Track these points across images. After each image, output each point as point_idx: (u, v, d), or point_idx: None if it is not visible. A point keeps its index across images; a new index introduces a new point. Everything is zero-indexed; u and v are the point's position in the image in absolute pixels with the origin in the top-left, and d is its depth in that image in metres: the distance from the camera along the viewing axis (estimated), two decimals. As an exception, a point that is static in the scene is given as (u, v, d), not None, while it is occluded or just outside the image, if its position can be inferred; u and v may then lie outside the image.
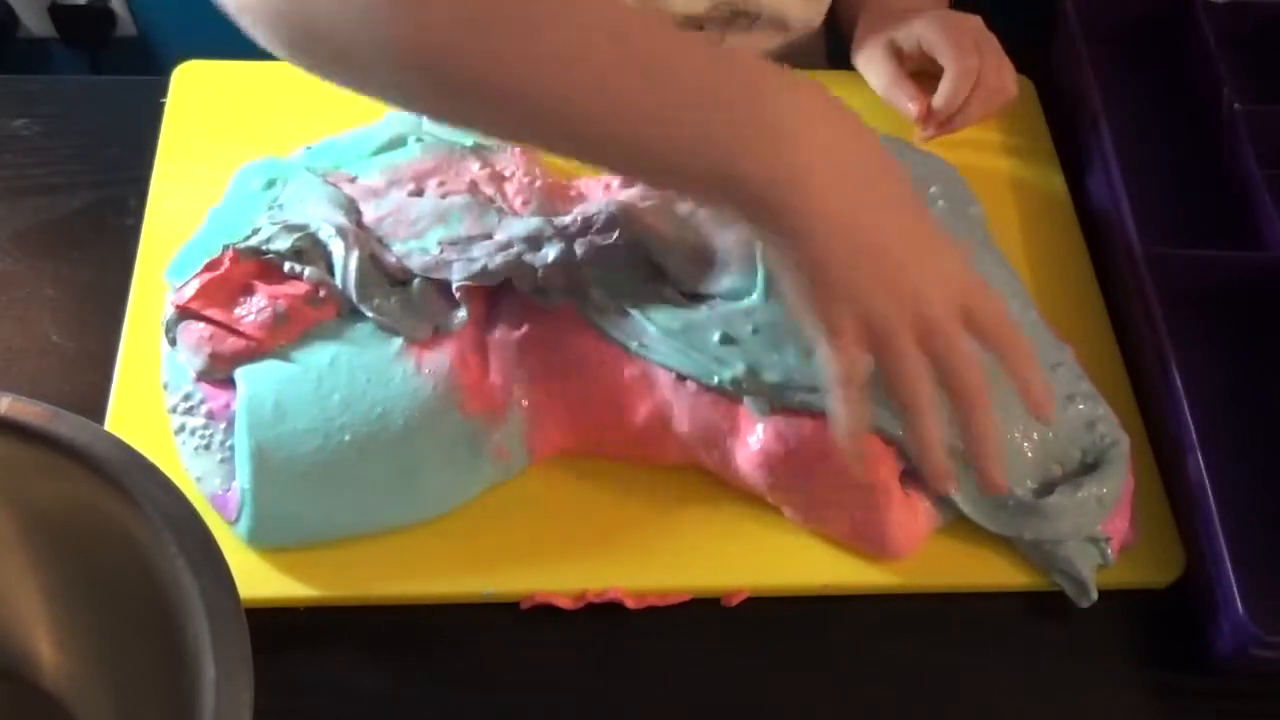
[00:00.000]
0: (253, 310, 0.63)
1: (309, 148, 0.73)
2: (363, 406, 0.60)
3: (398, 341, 0.62)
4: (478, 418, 0.61)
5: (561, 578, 0.60)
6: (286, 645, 0.57)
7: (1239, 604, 0.57)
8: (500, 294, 0.65)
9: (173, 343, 0.64)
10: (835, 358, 0.52)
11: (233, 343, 0.62)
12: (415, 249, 0.65)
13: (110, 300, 0.67)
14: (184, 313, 0.63)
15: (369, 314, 0.63)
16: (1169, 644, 0.61)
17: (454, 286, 0.63)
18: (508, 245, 0.64)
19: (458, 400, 0.61)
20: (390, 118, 0.74)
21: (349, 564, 0.59)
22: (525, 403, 0.62)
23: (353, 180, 0.69)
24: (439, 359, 0.62)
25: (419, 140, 0.71)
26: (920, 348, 0.52)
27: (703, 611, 0.60)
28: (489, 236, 0.66)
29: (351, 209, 0.67)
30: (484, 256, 0.64)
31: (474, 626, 0.59)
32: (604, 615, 0.59)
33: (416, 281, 0.64)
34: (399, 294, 0.64)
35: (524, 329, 0.63)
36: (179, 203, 0.71)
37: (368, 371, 0.61)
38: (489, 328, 0.64)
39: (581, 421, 0.63)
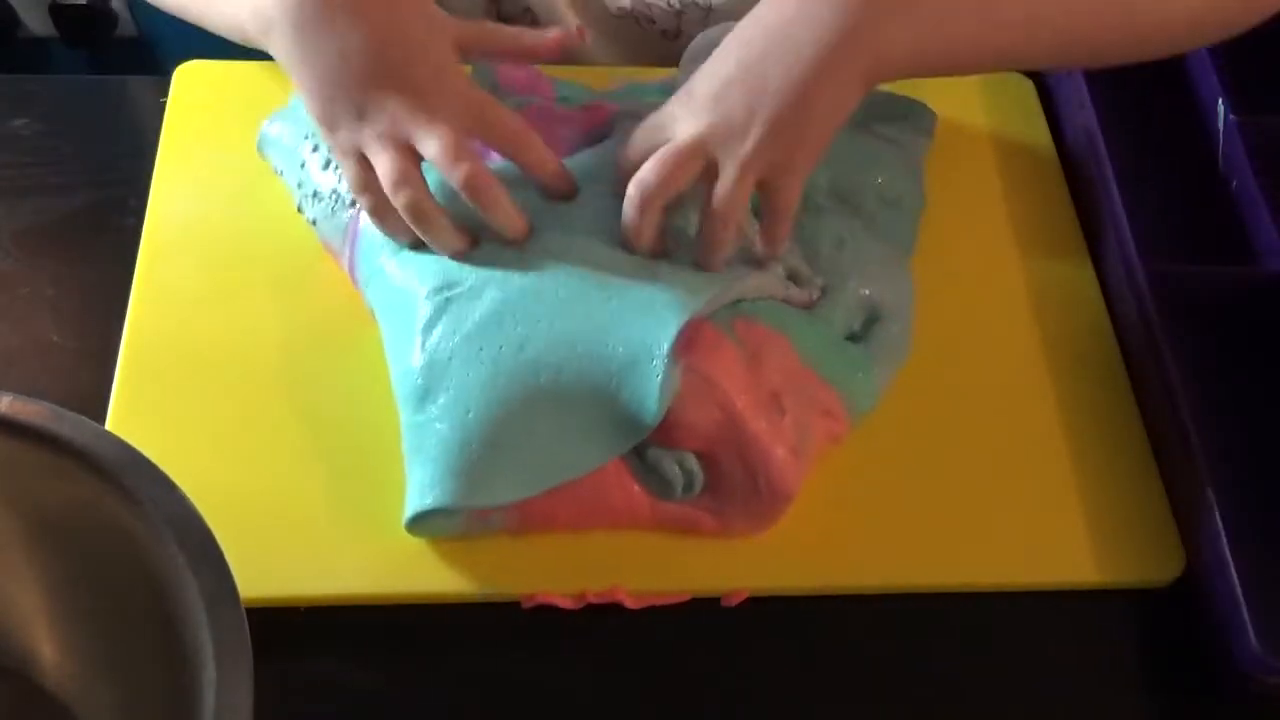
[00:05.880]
0: None
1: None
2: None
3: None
4: None
5: (561, 578, 0.60)
6: (286, 645, 0.57)
7: (1252, 638, 0.56)
8: None
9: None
10: (345, 173, 0.62)
11: None
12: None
13: (110, 300, 0.67)
14: None
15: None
16: (1170, 644, 0.61)
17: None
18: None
19: None
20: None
21: (349, 564, 0.59)
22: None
23: None
24: None
25: None
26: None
27: (703, 611, 0.60)
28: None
29: None
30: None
31: (474, 626, 0.59)
32: (604, 615, 0.59)
33: None
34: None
35: None
36: (179, 203, 0.71)
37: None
38: None
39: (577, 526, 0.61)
